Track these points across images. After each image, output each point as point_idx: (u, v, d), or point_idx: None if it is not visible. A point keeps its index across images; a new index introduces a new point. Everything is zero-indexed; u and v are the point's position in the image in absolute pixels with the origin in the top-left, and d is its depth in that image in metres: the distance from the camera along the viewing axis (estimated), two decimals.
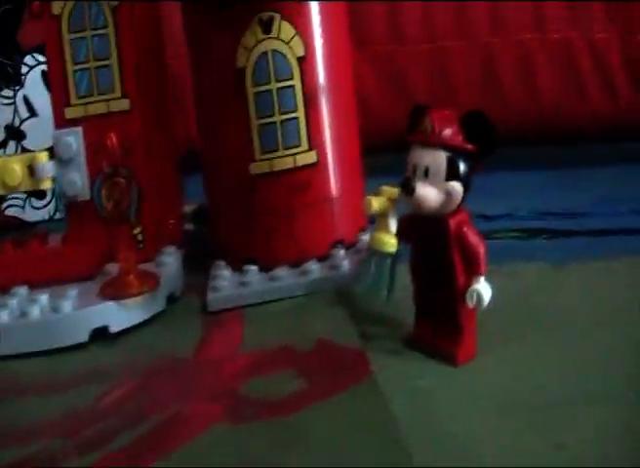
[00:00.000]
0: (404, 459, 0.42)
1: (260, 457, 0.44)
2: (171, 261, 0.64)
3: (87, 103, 0.63)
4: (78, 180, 0.63)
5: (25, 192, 0.82)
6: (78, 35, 0.63)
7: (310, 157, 0.63)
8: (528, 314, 0.56)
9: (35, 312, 0.58)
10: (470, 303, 0.50)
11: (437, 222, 0.51)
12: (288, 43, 0.62)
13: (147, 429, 0.48)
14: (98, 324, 0.58)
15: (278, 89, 0.62)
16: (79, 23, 0.62)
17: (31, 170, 0.61)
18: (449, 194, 0.49)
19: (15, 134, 0.84)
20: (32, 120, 0.83)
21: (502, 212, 0.77)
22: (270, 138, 0.62)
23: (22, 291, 0.62)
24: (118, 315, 0.59)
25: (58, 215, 0.81)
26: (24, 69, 0.84)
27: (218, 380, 0.53)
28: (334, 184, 0.65)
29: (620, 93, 0.88)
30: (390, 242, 0.53)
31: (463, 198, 0.50)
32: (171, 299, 0.63)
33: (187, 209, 0.72)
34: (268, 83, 0.62)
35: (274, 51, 0.62)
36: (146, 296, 0.60)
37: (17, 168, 0.61)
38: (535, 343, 0.53)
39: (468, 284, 0.50)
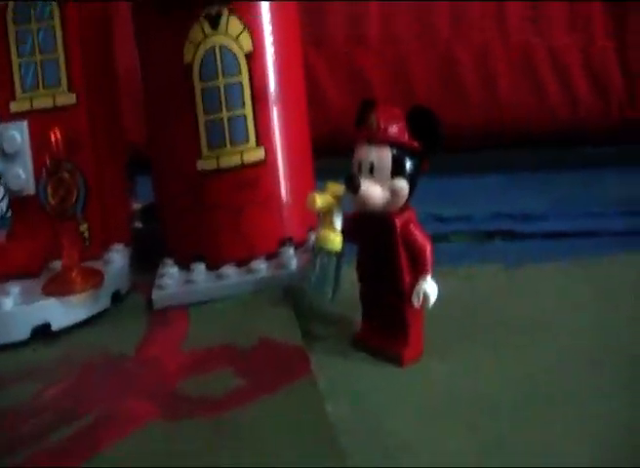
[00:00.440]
0: (337, 459, 0.42)
1: (192, 455, 0.43)
2: (117, 259, 0.63)
3: (32, 97, 0.62)
4: (23, 175, 0.62)
5: None
6: (23, 28, 0.62)
7: (258, 154, 0.63)
8: (479, 316, 0.56)
9: None
10: (416, 303, 0.50)
11: (383, 221, 0.50)
12: (236, 39, 0.61)
13: (82, 426, 0.47)
14: (39, 321, 0.57)
15: (225, 85, 0.61)
16: (24, 16, 0.61)
17: None
18: (394, 192, 0.49)
19: None
20: None
21: (459, 214, 0.77)
22: (217, 135, 0.62)
23: None
24: (60, 312, 0.58)
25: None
26: None
27: (156, 378, 0.52)
28: (282, 182, 0.64)
29: (579, 97, 0.88)
30: (335, 240, 0.52)
31: (410, 196, 0.50)
32: (116, 297, 0.62)
33: (137, 206, 0.72)
34: (215, 79, 0.61)
35: (222, 46, 0.61)
36: (90, 294, 0.59)
37: None
38: (484, 346, 0.52)
39: (414, 283, 0.50)
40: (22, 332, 0.57)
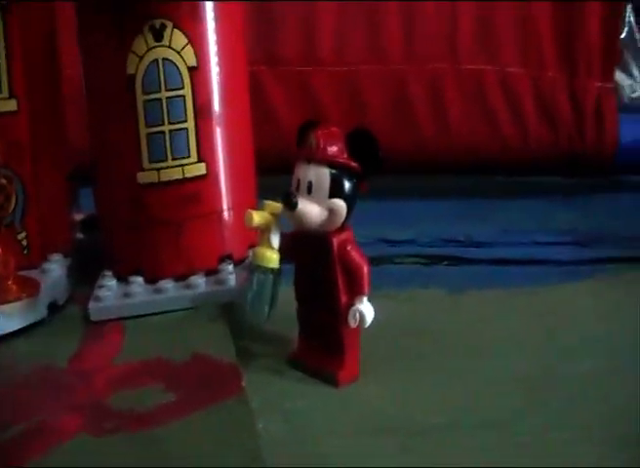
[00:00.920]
0: None
1: None
2: (56, 269, 0.63)
3: None
4: None
5: None
6: None
7: (199, 169, 0.62)
8: (418, 340, 0.56)
9: None
10: (353, 323, 0.49)
11: (320, 240, 0.50)
12: (179, 52, 0.61)
13: (10, 437, 0.46)
14: None
15: (168, 98, 0.61)
16: None
17: None
18: (332, 211, 0.49)
19: None
20: None
21: (406, 237, 0.77)
22: (159, 148, 0.61)
23: None
24: None
25: None
26: None
27: (86, 391, 0.52)
28: (224, 198, 0.64)
29: (529, 128, 0.89)
30: (272, 257, 0.52)
31: (348, 217, 0.49)
32: (53, 308, 0.62)
33: (78, 217, 0.71)
34: (158, 92, 0.61)
35: (165, 59, 0.61)
36: (25, 303, 0.59)
37: None
38: (420, 369, 0.52)
39: (351, 303, 0.50)
40: None
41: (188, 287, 0.62)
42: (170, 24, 0.61)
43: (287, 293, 0.53)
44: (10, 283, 0.58)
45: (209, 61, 0.62)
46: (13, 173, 0.61)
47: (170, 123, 0.61)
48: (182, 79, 0.61)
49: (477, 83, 0.89)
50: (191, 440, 0.45)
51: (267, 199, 0.52)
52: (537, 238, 0.77)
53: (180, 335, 0.58)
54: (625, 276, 0.68)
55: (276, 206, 0.51)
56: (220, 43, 0.63)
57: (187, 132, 0.62)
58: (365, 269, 0.50)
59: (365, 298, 0.50)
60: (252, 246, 0.64)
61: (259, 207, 0.53)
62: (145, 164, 0.61)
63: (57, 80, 0.66)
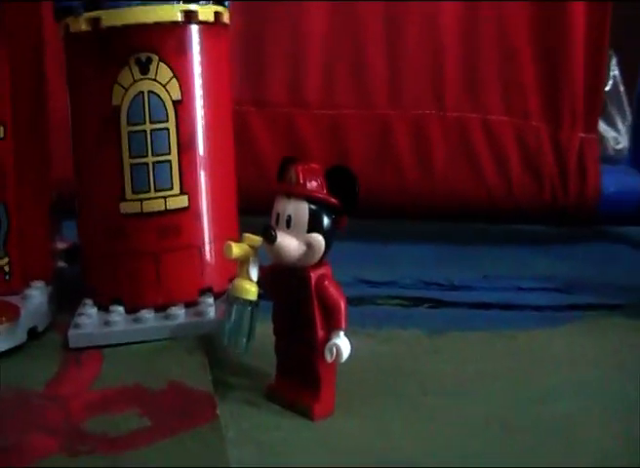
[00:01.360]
0: None
1: None
2: (37, 295, 0.63)
3: None
4: None
5: None
6: None
7: (181, 201, 0.63)
8: (396, 378, 0.56)
9: None
10: (329, 358, 0.50)
11: (298, 274, 0.51)
12: (165, 85, 0.62)
13: None
14: None
15: (152, 130, 0.62)
16: None
17: None
18: (310, 246, 0.49)
19: None
20: None
21: (388, 279, 0.77)
22: (142, 179, 0.62)
23: None
24: None
25: None
26: None
27: (61, 414, 0.52)
28: (205, 231, 0.64)
29: (512, 177, 0.90)
30: (250, 290, 0.52)
31: (326, 252, 0.50)
32: (33, 334, 0.62)
33: (60, 246, 0.71)
34: (143, 124, 0.62)
35: (150, 92, 0.62)
36: (4, 328, 0.59)
37: None
38: (395, 406, 0.53)
39: (328, 338, 0.50)
40: None
41: (168, 317, 0.62)
42: (156, 58, 0.61)
43: (267, 326, 0.53)
44: None
45: (193, 96, 0.63)
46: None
47: (154, 155, 0.62)
48: (167, 112, 0.62)
49: (461, 130, 0.90)
50: (162, 463, 0.45)
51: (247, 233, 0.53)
52: (517, 283, 0.77)
53: (157, 364, 0.58)
54: (602, 322, 0.68)
55: (255, 239, 0.52)
56: (205, 78, 0.64)
57: (171, 164, 0.62)
58: (342, 304, 0.50)
59: (342, 333, 0.50)
60: (231, 279, 0.65)
61: (239, 239, 0.53)
62: (128, 194, 0.62)
63: (43, 109, 0.67)
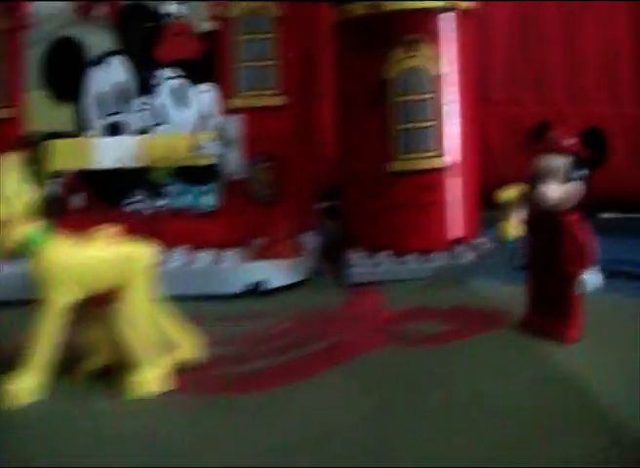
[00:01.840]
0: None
1: (432, 375, 0.50)
2: (311, 242, 0.74)
3: (248, 97, 0.74)
4: (236, 160, 0.73)
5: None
6: (249, 38, 0.74)
7: (440, 162, 0.73)
8: None
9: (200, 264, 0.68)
10: (577, 290, 0.58)
11: (554, 218, 0.59)
12: (427, 62, 0.73)
13: (317, 348, 0.55)
14: (256, 278, 0.67)
15: (417, 100, 0.72)
16: (251, 28, 0.74)
17: (195, 147, 0.73)
18: (567, 193, 0.58)
19: None
20: (161, 127, 0.92)
21: None
22: (407, 142, 0.73)
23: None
24: (272, 273, 0.68)
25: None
26: (158, 81, 0.93)
27: (371, 323, 0.61)
28: (459, 188, 0.75)
29: None
30: (511, 231, 0.63)
31: (578, 199, 0.59)
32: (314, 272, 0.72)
33: (322, 206, 0.82)
34: (409, 94, 0.72)
35: (416, 68, 0.72)
36: (298, 261, 0.69)
37: (183, 143, 0.73)
38: None
39: (577, 273, 0.58)
40: (237, 287, 0.67)
41: (428, 260, 0.72)
42: (420, 39, 0.72)
43: None
44: (285, 244, 0.69)
45: (452, 71, 0.74)
46: (277, 158, 0.73)
47: (418, 121, 0.72)
48: (430, 85, 0.73)
49: None
50: (465, 358, 0.53)
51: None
52: None
53: (432, 293, 0.67)
54: None
55: (522, 187, 0.62)
56: (459, 57, 0.75)
57: (432, 129, 0.73)
58: (589, 245, 0.58)
59: (589, 270, 0.59)
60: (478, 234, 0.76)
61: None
62: (394, 155, 0.72)
63: (317, 84, 0.78)
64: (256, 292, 0.67)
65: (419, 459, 0.40)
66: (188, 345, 0.51)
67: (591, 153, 0.58)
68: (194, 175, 0.91)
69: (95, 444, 0.43)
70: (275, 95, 0.74)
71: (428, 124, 0.73)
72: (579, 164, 0.58)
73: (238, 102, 0.74)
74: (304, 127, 0.76)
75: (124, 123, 0.92)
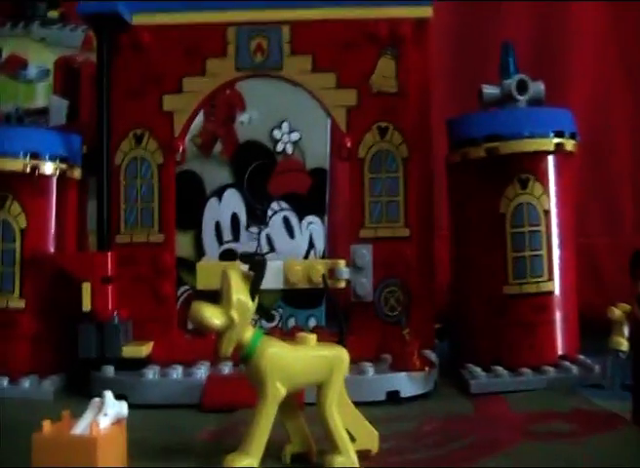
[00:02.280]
0: None
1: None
2: (432, 357, 0.81)
3: (377, 228, 0.84)
4: (367, 285, 0.82)
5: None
6: (374, 176, 0.84)
7: (549, 286, 0.83)
8: None
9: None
10: None
11: None
12: (538, 198, 0.83)
13: (470, 442, 0.63)
14: (394, 387, 0.75)
15: (529, 231, 0.82)
16: (377, 166, 0.84)
17: (330, 272, 0.82)
18: None
19: None
20: (269, 255, 1.00)
21: None
22: (521, 269, 0.82)
23: None
24: (406, 383, 0.76)
25: None
26: (270, 213, 1.02)
27: (506, 423, 0.69)
28: (564, 309, 0.84)
29: None
30: (624, 343, 0.73)
31: None
32: (435, 385, 0.79)
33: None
34: (523, 226, 0.82)
35: (528, 203, 0.82)
36: (426, 373, 0.77)
37: (320, 268, 0.82)
38: None
39: None
40: (379, 395, 0.75)
41: (541, 373, 0.79)
42: (532, 177, 0.83)
43: None
44: (415, 358, 0.76)
45: (557, 206, 0.84)
46: (403, 282, 0.83)
47: (530, 250, 0.82)
48: (540, 218, 0.83)
49: None
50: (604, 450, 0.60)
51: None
52: None
53: (551, 399, 0.75)
54: None
55: (627, 307, 0.73)
56: (562, 195, 0.84)
57: (543, 257, 0.82)
58: None
59: None
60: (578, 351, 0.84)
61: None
62: (510, 280, 0.82)
63: (433, 219, 0.86)
64: (395, 399, 0.75)
65: None
66: (367, 436, 0.59)
67: None
68: (302, 299, 1.02)
69: None
70: (402, 227, 0.84)
71: (539, 252, 0.82)
72: None
73: (368, 233, 0.83)
74: (426, 255, 0.84)
75: (236, 250, 1.03)
